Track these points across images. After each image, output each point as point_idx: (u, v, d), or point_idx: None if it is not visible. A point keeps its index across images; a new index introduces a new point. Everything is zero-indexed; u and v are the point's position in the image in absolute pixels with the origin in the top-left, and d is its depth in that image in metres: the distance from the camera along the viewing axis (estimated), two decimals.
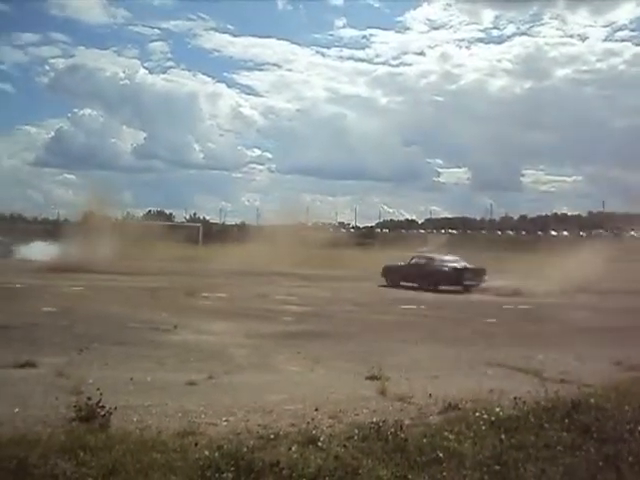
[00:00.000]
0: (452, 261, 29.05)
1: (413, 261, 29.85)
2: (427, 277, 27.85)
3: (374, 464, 5.10)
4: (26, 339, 11.37)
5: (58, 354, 9.90)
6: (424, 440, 5.67)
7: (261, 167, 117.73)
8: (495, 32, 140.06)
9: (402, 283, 28.60)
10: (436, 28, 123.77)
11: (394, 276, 29.43)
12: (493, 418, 6.31)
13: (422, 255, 31.37)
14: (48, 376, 8.36)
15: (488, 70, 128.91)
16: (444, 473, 4.94)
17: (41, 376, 8.43)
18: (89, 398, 6.20)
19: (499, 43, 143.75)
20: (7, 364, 8.98)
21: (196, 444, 5.41)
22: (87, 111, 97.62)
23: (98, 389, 6.35)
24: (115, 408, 6.19)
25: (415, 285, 27.84)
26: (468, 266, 28.59)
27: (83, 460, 4.96)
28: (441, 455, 5.29)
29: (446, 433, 5.87)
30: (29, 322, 13.37)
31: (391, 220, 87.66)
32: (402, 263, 30.00)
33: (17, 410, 6.62)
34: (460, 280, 27.53)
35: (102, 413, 6.07)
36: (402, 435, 5.76)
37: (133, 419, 6.52)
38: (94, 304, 17.37)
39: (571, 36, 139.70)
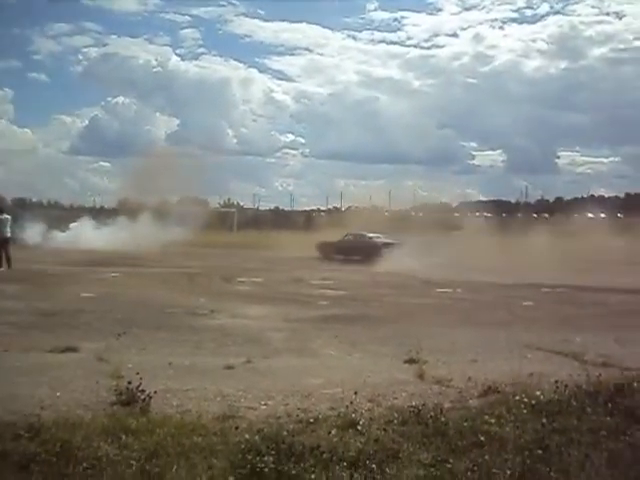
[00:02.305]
0: (376, 237, 34.12)
1: (345, 238, 34.89)
2: (356, 251, 32.95)
3: (414, 448, 5.09)
4: (67, 324, 11.54)
5: (98, 339, 10.01)
6: (464, 424, 5.63)
7: (294, 152, 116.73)
8: (529, 11, 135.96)
9: (335, 256, 33.47)
10: (468, 9, 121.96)
11: (328, 250, 34.64)
12: (534, 402, 6.25)
13: (352, 233, 35.68)
14: (88, 360, 8.48)
15: (522, 51, 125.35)
16: (485, 457, 4.88)
17: (82, 360, 8.55)
18: (129, 382, 6.27)
19: (533, 23, 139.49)
20: (49, 349, 9.13)
21: (236, 428, 5.45)
22: (120, 99, 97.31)
23: (137, 373, 6.40)
24: (155, 392, 6.25)
25: (346, 258, 32.99)
26: (389, 241, 33.39)
27: (125, 443, 5.03)
28: (482, 439, 5.25)
29: (487, 417, 5.81)
30: (69, 308, 13.58)
31: (425, 204, 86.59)
32: (335, 240, 35.10)
33: (59, 394, 6.74)
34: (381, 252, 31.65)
35: (142, 397, 6.13)
36: (442, 419, 5.73)
37: (173, 403, 6.57)
38: (131, 290, 17.56)
39: (607, 14, 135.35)
